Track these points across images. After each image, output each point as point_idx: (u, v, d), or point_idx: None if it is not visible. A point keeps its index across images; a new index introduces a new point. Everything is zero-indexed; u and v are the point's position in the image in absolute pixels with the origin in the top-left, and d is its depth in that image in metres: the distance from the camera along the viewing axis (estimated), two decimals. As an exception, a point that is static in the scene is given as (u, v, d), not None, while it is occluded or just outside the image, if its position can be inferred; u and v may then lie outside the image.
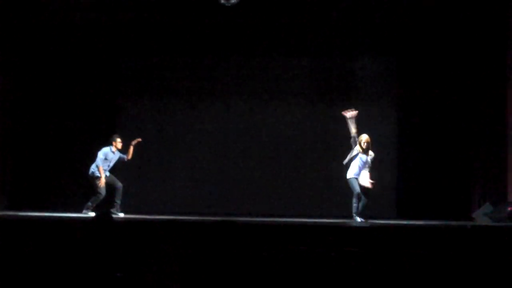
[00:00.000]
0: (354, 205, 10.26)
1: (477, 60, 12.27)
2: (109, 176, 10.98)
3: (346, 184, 10.48)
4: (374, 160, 10.51)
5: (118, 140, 11.00)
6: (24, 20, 12.46)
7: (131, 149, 11.02)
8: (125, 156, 11.07)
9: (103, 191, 10.82)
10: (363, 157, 10.31)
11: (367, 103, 12.91)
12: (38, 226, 8.05)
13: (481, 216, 11.21)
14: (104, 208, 10.53)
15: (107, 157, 10.90)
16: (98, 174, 10.78)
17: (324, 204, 12.65)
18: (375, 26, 12.62)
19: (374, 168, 10.62)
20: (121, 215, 10.65)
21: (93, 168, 10.87)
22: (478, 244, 7.25)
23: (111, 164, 10.99)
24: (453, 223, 10.12)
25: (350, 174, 10.39)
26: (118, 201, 10.86)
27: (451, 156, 12.56)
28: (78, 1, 12.07)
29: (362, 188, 10.28)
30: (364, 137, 10.32)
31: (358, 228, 8.91)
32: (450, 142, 12.59)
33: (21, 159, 12.70)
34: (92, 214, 10.51)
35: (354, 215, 10.22)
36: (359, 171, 10.32)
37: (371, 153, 10.39)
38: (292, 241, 6.73)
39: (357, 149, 10.32)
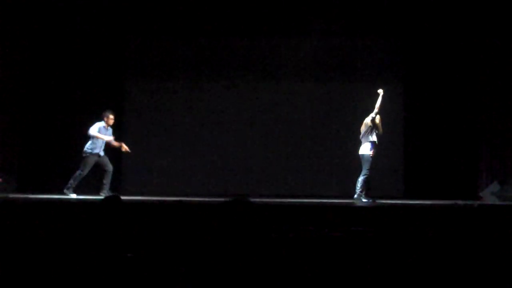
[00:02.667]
0: (360, 184, 10.24)
1: (485, 38, 12.21)
2: (103, 156, 10.84)
3: (358, 161, 10.49)
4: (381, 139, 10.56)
5: (111, 116, 10.79)
6: (29, 2, 12.46)
7: (117, 143, 10.91)
8: (112, 138, 10.89)
9: (85, 170, 10.69)
10: (376, 133, 10.35)
11: (375, 83, 12.89)
12: (47, 208, 8.10)
13: (489, 195, 11.22)
14: (88, 189, 10.70)
15: (100, 131, 10.76)
16: (89, 152, 10.68)
17: (331, 184, 12.69)
18: (382, 6, 12.56)
19: (382, 147, 10.68)
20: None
21: (86, 147, 10.76)
22: (485, 224, 7.25)
23: (104, 142, 10.83)
24: (461, 202, 10.12)
25: (366, 150, 10.35)
26: (107, 183, 10.72)
27: (458, 135, 12.54)
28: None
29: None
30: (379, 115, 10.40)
31: (366, 208, 8.92)
32: (457, 120, 12.56)
33: (29, 142, 12.76)
34: (73, 195, 10.54)
35: (361, 195, 10.21)
36: (372, 147, 10.31)
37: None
38: (300, 222, 6.76)
39: (368, 124, 10.32)
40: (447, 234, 6.37)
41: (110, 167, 10.81)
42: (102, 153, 10.83)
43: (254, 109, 13.21)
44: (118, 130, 11.74)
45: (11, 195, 10.60)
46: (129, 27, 13.08)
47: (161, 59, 13.30)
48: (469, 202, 10.14)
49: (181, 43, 13.32)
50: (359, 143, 10.47)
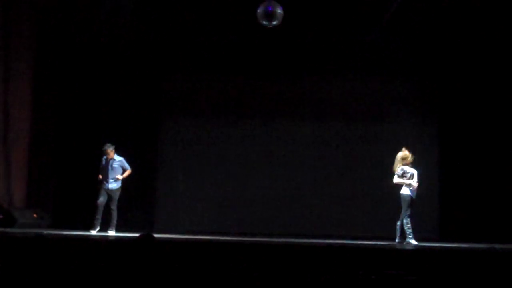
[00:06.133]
0: (409, 225, 9.92)
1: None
2: (111, 190, 10.94)
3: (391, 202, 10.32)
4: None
5: (109, 150, 10.95)
6: (68, 41, 12.72)
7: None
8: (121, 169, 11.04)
9: (98, 198, 10.86)
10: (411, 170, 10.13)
11: (409, 123, 12.88)
12: (80, 245, 8.13)
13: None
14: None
15: (101, 165, 11.00)
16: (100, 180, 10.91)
17: (363, 225, 12.56)
18: (417, 48, 12.60)
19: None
20: (93, 232, 10.70)
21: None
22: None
23: (107, 174, 10.94)
24: (498, 246, 9.91)
25: (406, 190, 10.09)
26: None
27: (495, 177, 12.35)
28: (122, 22, 12.26)
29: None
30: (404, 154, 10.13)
31: (400, 251, 8.78)
32: (494, 162, 12.39)
33: (65, 178, 12.89)
34: (94, 231, 10.70)
35: (410, 237, 9.91)
36: (413, 189, 10.07)
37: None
38: (334, 264, 6.67)
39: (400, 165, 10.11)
40: (485, 278, 6.23)
41: (113, 205, 10.91)
42: (109, 186, 10.93)
43: (287, 147, 13.20)
44: (153, 167, 11.85)
45: (45, 231, 10.67)
46: (166, 65, 13.25)
47: (197, 97, 13.40)
48: (507, 246, 9.94)
49: (217, 81, 13.40)
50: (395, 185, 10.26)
